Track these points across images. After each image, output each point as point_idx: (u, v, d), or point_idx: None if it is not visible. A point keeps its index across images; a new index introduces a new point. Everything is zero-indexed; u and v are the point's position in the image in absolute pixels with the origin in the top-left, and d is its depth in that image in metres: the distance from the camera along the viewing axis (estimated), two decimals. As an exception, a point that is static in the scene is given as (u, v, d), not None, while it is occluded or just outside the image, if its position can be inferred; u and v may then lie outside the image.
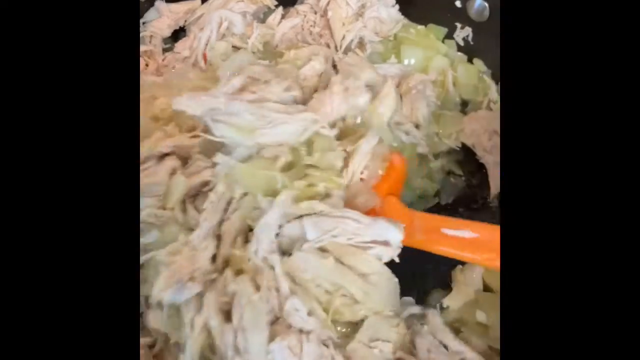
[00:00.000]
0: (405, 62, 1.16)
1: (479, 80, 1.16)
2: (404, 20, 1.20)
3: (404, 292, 0.76)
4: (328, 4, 1.15)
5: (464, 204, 1.04)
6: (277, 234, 0.72)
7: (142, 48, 1.18)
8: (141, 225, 0.73)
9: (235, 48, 1.05)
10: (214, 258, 0.72)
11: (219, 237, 0.73)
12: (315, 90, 0.85)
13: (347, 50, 1.14)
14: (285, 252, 0.72)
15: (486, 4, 1.14)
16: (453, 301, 0.88)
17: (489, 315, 0.83)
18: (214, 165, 0.74)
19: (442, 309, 0.88)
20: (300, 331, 0.67)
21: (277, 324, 0.67)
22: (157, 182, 0.74)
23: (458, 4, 1.17)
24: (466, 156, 1.08)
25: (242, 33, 1.04)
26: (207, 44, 1.03)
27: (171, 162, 0.76)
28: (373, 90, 0.87)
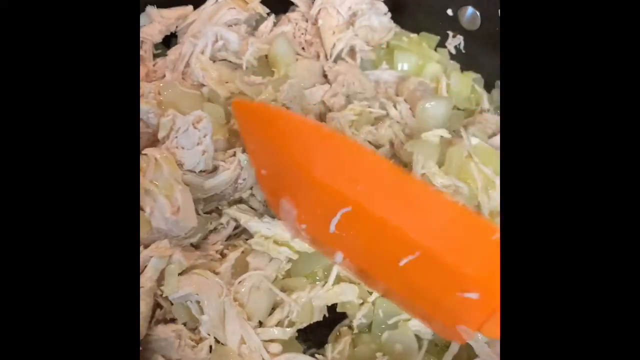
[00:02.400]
0: (399, 67, 1.16)
1: (471, 90, 1.16)
2: (396, 28, 1.19)
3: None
4: (319, 12, 1.14)
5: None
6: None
7: (132, 55, 1.17)
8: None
9: (229, 62, 1.05)
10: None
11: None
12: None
13: (338, 58, 1.13)
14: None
15: (478, 13, 1.13)
16: None
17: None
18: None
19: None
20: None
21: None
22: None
23: (450, 12, 1.17)
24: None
25: (237, 50, 1.05)
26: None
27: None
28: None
